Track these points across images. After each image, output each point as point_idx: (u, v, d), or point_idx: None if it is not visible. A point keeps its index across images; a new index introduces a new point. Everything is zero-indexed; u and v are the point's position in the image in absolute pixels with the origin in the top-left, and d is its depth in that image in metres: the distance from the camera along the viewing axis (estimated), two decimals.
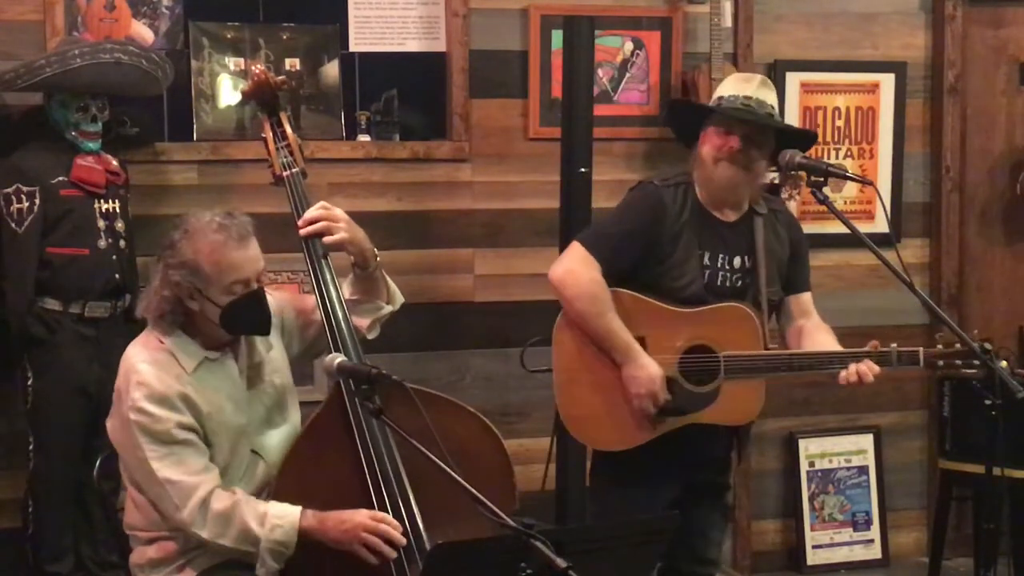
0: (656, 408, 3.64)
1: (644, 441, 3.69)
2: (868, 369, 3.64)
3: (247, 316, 3.16)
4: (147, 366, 3.11)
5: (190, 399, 3.10)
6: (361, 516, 3.06)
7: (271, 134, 3.51)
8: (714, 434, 3.77)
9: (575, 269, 3.65)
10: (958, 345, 3.65)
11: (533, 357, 4.40)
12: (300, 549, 3.08)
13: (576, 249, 3.68)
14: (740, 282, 3.74)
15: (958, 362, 3.65)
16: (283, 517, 3.06)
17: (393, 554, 3.04)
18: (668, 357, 3.67)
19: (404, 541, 3.05)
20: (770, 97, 3.73)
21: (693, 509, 3.78)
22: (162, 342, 3.15)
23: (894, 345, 3.69)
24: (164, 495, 3.08)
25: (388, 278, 3.50)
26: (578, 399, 3.71)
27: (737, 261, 3.74)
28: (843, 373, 3.67)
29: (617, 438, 3.71)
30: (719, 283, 3.72)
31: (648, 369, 3.62)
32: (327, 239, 3.32)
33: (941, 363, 3.68)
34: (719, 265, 3.72)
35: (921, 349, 3.68)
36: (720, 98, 3.71)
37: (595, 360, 3.68)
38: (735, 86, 3.74)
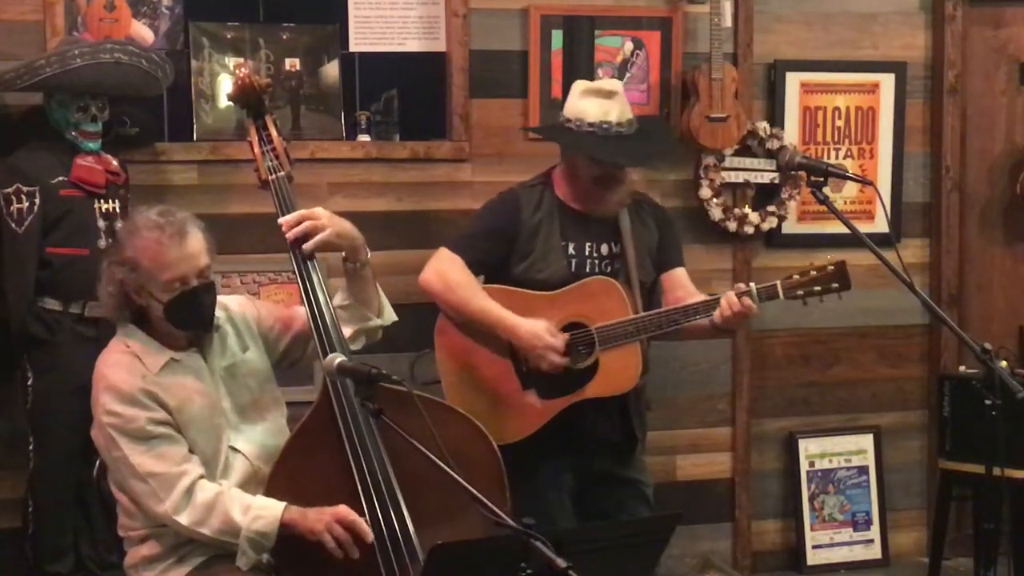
0: (564, 355, 3.75)
1: (538, 427, 3.80)
2: (734, 298, 3.73)
3: (188, 312, 3.20)
4: (111, 369, 3.18)
5: (156, 395, 3.15)
6: (338, 508, 3.10)
7: (256, 137, 3.51)
8: (603, 414, 3.86)
9: (440, 267, 3.89)
10: (813, 272, 3.76)
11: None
12: (287, 547, 3.09)
13: (440, 251, 3.94)
14: (609, 267, 3.90)
15: (817, 288, 3.74)
16: (266, 509, 3.10)
17: (355, 553, 3.06)
18: None
19: (371, 537, 3.08)
20: (626, 107, 3.90)
21: (603, 500, 3.90)
22: (128, 346, 3.22)
23: (752, 284, 3.79)
24: (146, 490, 3.12)
25: (381, 292, 3.51)
26: (467, 399, 3.80)
27: (604, 248, 3.90)
28: (716, 312, 3.74)
29: (511, 429, 3.80)
30: (587, 270, 3.88)
31: (527, 326, 3.76)
32: (310, 242, 3.32)
33: (800, 292, 3.76)
34: (586, 253, 3.88)
35: (779, 282, 3.78)
36: (592, 125, 3.84)
37: (474, 358, 3.85)
38: (594, 108, 3.86)
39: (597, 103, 3.86)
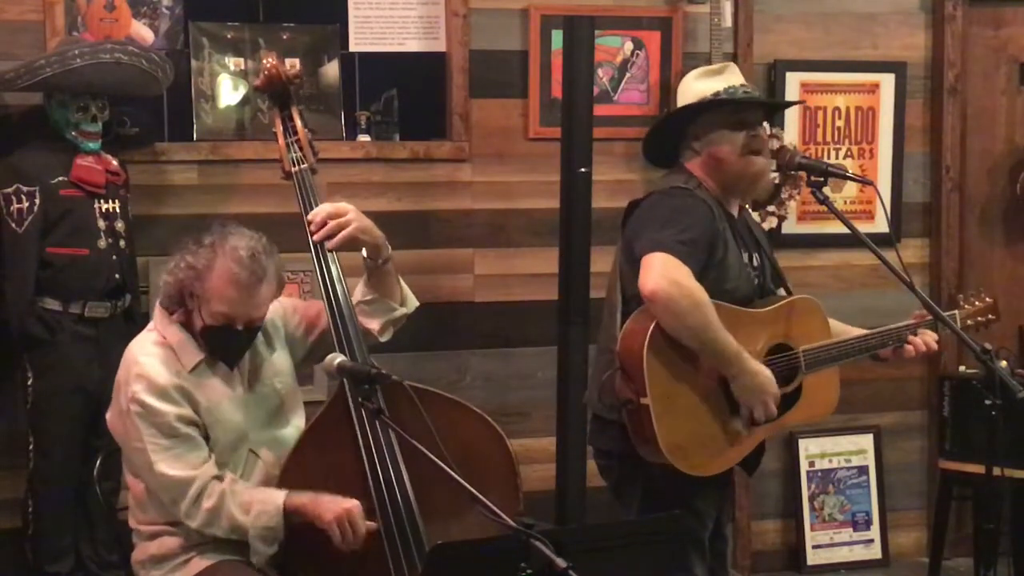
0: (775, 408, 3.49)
1: (743, 456, 3.56)
2: (931, 337, 3.72)
3: (220, 344, 3.20)
4: (148, 358, 3.16)
5: (188, 392, 3.14)
6: (351, 504, 3.07)
7: (281, 128, 3.46)
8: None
9: (678, 280, 3.32)
10: (977, 303, 3.87)
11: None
12: (295, 543, 3.09)
13: (660, 257, 3.34)
14: (757, 279, 3.63)
15: (980, 318, 3.87)
16: (267, 503, 3.09)
17: (356, 545, 3.05)
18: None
19: (358, 543, 3.06)
20: (742, 76, 3.73)
21: (719, 535, 3.72)
22: (165, 337, 3.20)
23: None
24: (160, 488, 3.14)
25: (402, 281, 3.48)
26: (679, 426, 3.42)
27: (755, 258, 3.64)
28: (908, 347, 3.73)
29: (719, 460, 3.52)
30: (752, 281, 3.60)
31: (764, 373, 3.46)
32: (334, 240, 3.29)
33: (970, 322, 3.85)
34: (746, 261, 3.60)
35: (957, 312, 3.84)
36: (717, 94, 3.57)
37: (688, 382, 3.44)
38: (715, 82, 3.62)
39: (716, 79, 3.63)
